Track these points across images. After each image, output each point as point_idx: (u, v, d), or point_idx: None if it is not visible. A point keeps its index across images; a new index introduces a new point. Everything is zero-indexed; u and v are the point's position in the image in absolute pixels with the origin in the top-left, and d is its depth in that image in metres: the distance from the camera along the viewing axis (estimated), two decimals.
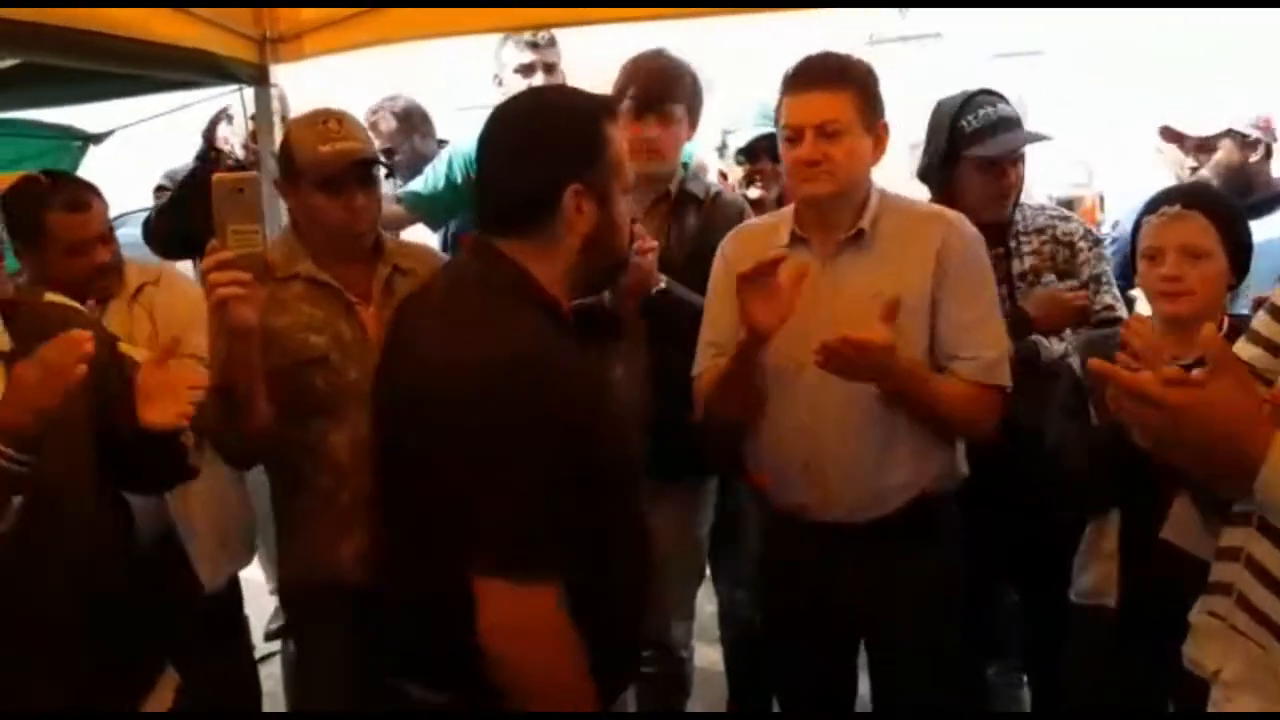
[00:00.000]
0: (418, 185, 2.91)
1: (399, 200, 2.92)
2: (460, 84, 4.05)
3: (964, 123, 2.31)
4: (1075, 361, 1.96)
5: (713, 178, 2.89)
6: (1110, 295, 2.34)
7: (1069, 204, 3.53)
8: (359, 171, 1.86)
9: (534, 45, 2.80)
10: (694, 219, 2.31)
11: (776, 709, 2.47)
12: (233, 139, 3.06)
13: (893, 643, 1.97)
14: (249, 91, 2.82)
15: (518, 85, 2.77)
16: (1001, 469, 2.04)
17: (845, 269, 1.86)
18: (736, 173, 2.88)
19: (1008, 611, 2.60)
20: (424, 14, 2.65)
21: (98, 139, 3.60)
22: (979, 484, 2.00)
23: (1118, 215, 3.35)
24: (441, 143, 3.20)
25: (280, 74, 2.82)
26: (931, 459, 1.88)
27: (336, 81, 2.94)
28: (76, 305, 1.67)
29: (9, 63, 2.61)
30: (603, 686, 1.35)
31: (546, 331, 1.32)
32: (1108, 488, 1.83)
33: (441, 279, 1.48)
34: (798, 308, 1.73)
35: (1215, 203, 1.85)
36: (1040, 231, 2.38)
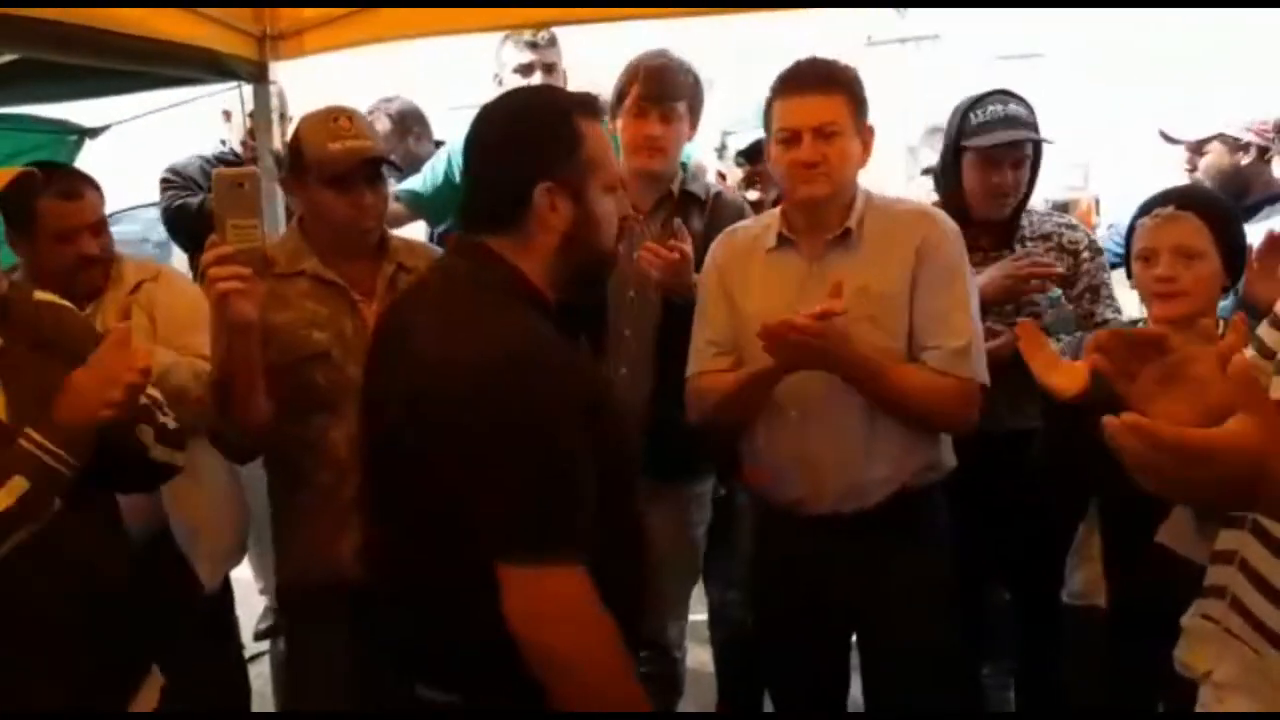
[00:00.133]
0: (416, 183, 2.91)
1: (397, 198, 2.92)
2: (459, 82, 4.05)
3: (971, 115, 2.34)
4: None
5: (711, 178, 2.90)
6: (1110, 310, 2.33)
7: (1064, 207, 3.54)
8: (367, 170, 1.88)
9: (533, 45, 2.81)
10: (697, 220, 2.32)
11: (766, 710, 2.47)
12: (231, 137, 3.08)
13: (884, 639, 1.99)
14: (247, 89, 2.83)
15: (517, 85, 2.78)
16: (992, 469, 2.05)
17: (832, 268, 1.89)
18: (735, 174, 2.89)
19: (999, 612, 2.61)
20: (424, 12, 2.65)
21: (94, 133, 3.61)
22: (969, 484, 2.01)
23: (1113, 219, 3.36)
24: (439, 143, 3.21)
25: (279, 71, 2.83)
26: (913, 454, 1.91)
27: (335, 79, 2.94)
28: (68, 305, 1.66)
29: (7, 58, 2.61)
30: None
31: (538, 328, 1.34)
32: (1072, 484, 1.83)
33: (433, 277, 1.49)
34: (788, 308, 1.76)
35: (1209, 204, 1.86)
36: (1046, 238, 2.39)
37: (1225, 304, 1.98)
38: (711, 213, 2.34)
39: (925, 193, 2.97)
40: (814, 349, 1.73)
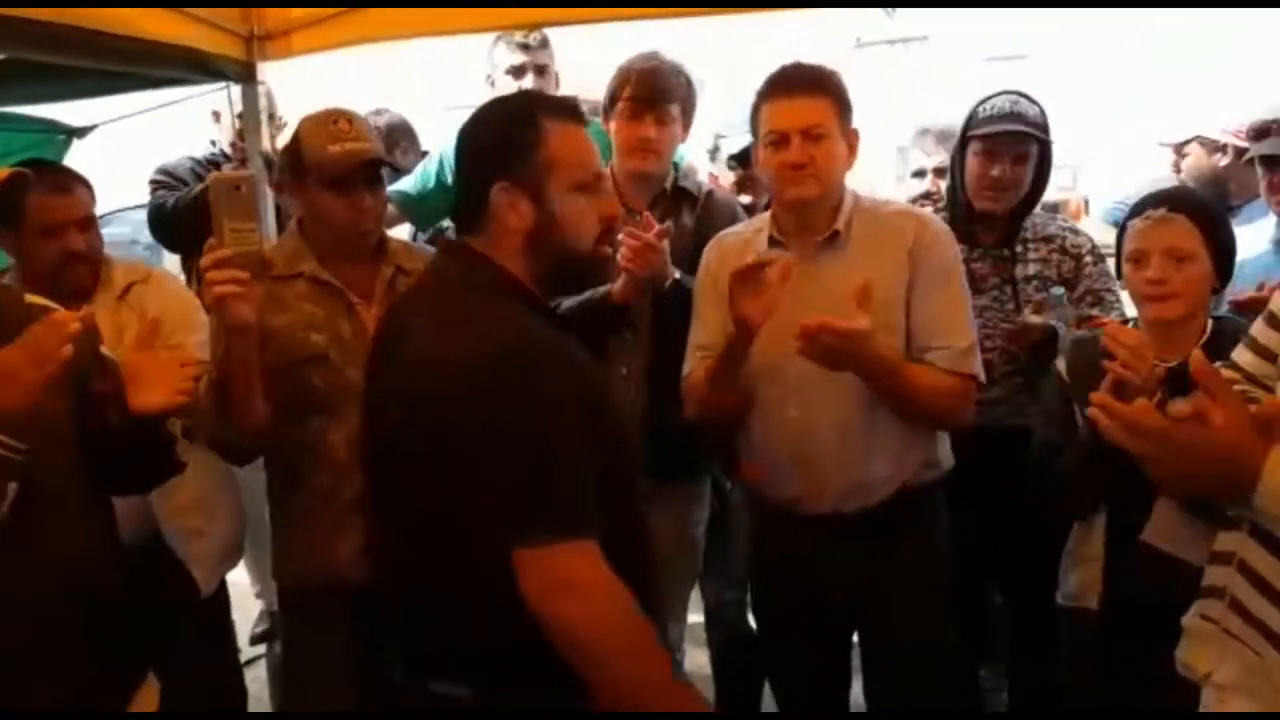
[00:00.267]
0: (407, 185, 2.90)
1: (388, 199, 2.91)
2: (450, 83, 4.04)
3: (980, 109, 2.38)
4: (1061, 364, 1.97)
5: (703, 179, 2.89)
6: (1115, 315, 2.33)
7: (1054, 208, 3.54)
8: (367, 172, 1.89)
9: (525, 47, 2.80)
10: (689, 216, 2.33)
11: (763, 711, 2.47)
12: (220, 138, 3.07)
13: (885, 638, 2.00)
14: (236, 89, 2.81)
15: (509, 86, 2.77)
16: (989, 466, 2.06)
17: (824, 269, 1.91)
18: (728, 176, 2.88)
19: (994, 614, 2.62)
20: (412, 12, 2.64)
21: (81, 133, 3.59)
22: (967, 482, 2.02)
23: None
24: (426, 153, 3.20)
25: (267, 72, 2.81)
26: (912, 450, 1.93)
27: (325, 80, 2.93)
28: (58, 308, 1.65)
29: None
30: None
31: (530, 323, 1.35)
32: (1096, 491, 1.84)
33: (428, 279, 1.51)
34: (781, 309, 1.77)
35: (1199, 206, 1.87)
36: (1049, 240, 2.40)
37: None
38: (703, 209, 2.34)
39: (914, 194, 2.98)
40: (845, 350, 1.75)
